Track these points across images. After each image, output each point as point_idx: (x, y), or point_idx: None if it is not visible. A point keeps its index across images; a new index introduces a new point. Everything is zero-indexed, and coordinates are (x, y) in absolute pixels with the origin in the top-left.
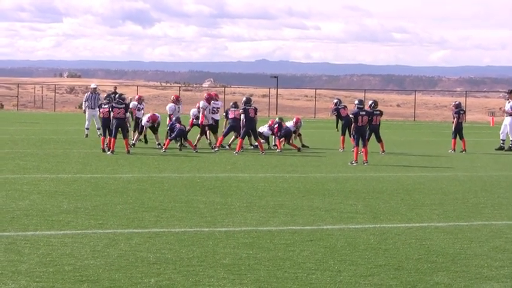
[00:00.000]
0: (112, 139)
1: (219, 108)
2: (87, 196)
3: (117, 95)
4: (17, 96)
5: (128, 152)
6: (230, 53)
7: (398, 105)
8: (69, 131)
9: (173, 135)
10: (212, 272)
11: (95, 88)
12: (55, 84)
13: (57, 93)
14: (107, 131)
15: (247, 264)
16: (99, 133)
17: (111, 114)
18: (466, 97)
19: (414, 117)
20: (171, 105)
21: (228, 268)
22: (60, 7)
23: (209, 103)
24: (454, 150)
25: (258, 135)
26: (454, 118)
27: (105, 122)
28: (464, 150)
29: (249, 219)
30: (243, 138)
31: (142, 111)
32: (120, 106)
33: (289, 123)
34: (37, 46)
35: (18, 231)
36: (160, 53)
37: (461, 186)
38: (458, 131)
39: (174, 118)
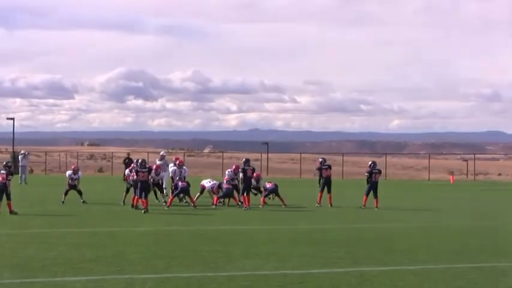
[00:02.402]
0: (140, 199)
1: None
2: (106, 247)
3: (139, 161)
4: (45, 162)
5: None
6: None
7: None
8: (89, 191)
9: (176, 191)
10: None
11: (164, 155)
12: (77, 152)
13: (79, 159)
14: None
15: None
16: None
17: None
18: (429, 159)
19: (385, 176)
20: (173, 168)
21: None
22: (69, 86)
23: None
24: (365, 206)
25: (249, 192)
26: (367, 177)
27: (136, 185)
28: (376, 207)
29: (246, 265)
30: (243, 193)
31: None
32: (144, 170)
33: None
34: (55, 119)
35: (48, 277)
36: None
37: (428, 235)
38: (372, 189)
39: (176, 179)
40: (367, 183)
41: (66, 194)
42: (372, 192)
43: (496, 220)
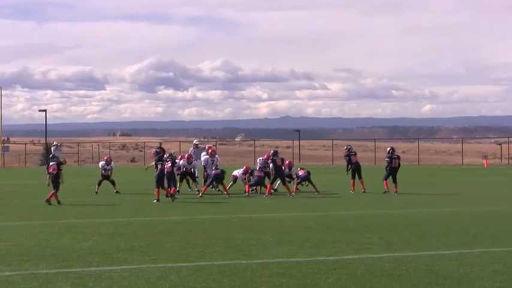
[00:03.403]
0: (171, 189)
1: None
2: (140, 236)
3: (169, 153)
4: (78, 153)
5: (172, 196)
6: (252, 112)
7: (403, 152)
8: (122, 181)
9: (210, 180)
10: None
11: (197, 144)
12: (109, 142)
13: (111, 149)
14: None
15: None
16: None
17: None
18: (462, 143)
19: (418, 162)
20: (205, 157)
21: None
22: (100, 77)
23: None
24: (388, 190)
25: (285, 180)
26: (388, 163)
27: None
28: (396, 192)
29: (280, 252)
30: (271, 183)
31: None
32: (168, 161)
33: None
34: (86, 110)
35: (83, 267)
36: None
37: (463, 220)
38: (392, 174)
39: (208, 169)
40: (386, 169)
41: (99, 184)
42: (391, 177)
43: None
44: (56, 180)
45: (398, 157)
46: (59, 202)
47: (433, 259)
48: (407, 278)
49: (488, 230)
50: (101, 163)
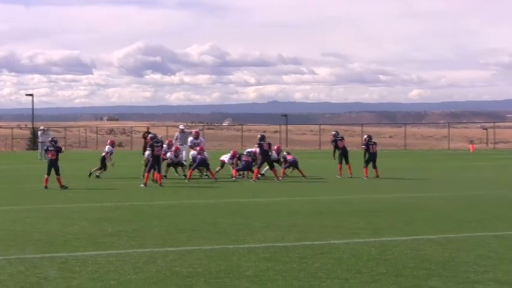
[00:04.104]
0: (157, 174)
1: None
2: (127, 221)
3: (152, 136)
4: (65, 138)
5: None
6: (240, 96)
7: (390, 137)
8: (110, 166)
9: (195, 164)
10: (237, 283)
11: (183, 129)
12: (96, 127)
13: (99, 134)
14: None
15: (267, 275)
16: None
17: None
18: (449, 128)
19: (405, 147)
20: (191, 138)
21: (251, 279)
22: (87, 61)
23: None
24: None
25: (272, 165)
26: (365, 150)
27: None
28: (377, 176)
29: (267, 237)
30: (258, 168)
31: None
32: (158, 145)
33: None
34: (74, 95)
35: (69, 252)
36: (177, 98)
37: (448, 204)
38: (372, 160)
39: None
40: (364, 156)
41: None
42: (371, 163)
43: None
44: (54, 165)
45: (375, 143)
46: (61, 186)
47: (419, 244)
48: (393, 262)
49: (474, 214)
50: (108, 148)
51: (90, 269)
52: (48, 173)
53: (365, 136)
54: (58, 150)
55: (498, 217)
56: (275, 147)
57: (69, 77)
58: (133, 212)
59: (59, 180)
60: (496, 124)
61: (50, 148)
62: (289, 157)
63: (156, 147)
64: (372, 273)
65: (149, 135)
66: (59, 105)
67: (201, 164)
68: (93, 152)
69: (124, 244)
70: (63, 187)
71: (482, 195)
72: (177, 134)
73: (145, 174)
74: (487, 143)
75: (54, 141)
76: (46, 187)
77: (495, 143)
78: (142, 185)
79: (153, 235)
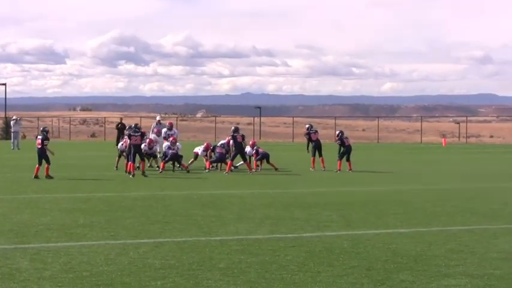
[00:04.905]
0: (131, 163)
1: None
2: (100, 212)
3: (133, 125)
4: (37, 128)
5: (143, 173)
6: (213, 88)
7: (363, 130)
8: (82, 156)
9: (167, 158)
10: (209, 275)
11: (160, 120)
12: (70, 117)
13: (72, 124)
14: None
15: (240, 267)
16: (158, 156)
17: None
18: (421, 121)
19: (378, 140)
20: (165, 129)
21: (223, 271)
22: (60, 51)
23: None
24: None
25: (245, 157)
26: (340, 145)
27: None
28: (350, 169)
29: (240, 229)
30: (232, 160)
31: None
32: (136, 134)
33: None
34: (47, 84)
35: (41, 243)
36: (150, 89)
37: (421, 198)
38: (347, 153)
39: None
40: (339, 150)
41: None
42: (345, 156)
43: (488, 183)
44: (43, 154)
45: (347, 138)
46: (47, 175)
47: (391, 237)
48: (365, 255)
49: (445, 208)
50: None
51: (62, 260)
52: (40, 163)
53: (337, 132)
54: (45, 138)
55: (469, 211)
56: (250, 142)
57: (42, 66)
58: (105, 203)
59: (47, 169)
60: (468, 118)
61: (38, 136)
62: (261, 149)
63: (133, 137)
64: (344, 266)
65: (121, 126)
66: (32, 94)
67: (173, 157)
68: (66, 142)
69: (96, 235)
70: (48, 177)
71: (453, 189)
72: (153, 125)
73: (130, 164)
74: (459, 137)
75: (45, 131)
76: (36, 177)
77: (467, 137)
78: (131, 175)
79: (125, 226)
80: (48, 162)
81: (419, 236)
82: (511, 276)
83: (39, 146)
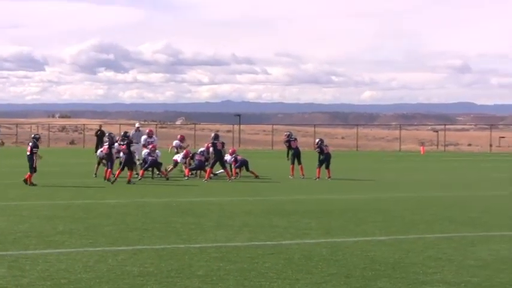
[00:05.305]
0: (110, 170)
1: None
2: (79, 219)
3: (121, 133)
4: (16, 135)
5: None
6: (193, 95)
7: (343, 138)
8: (62, 163)
9: (146, 165)
10: (188, 283)
11: (139, 127)
12: (48, 124)
13: (51, 131)
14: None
15: (218, 275)
16: (138, 163)
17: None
18: (400, 130)
19: (357, 148)
20: (144, 137)
21: (202, 279)
22: (39, 58)
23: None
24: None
25: (224, 164)
26: (319, 153)
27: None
28: (329, 177)
29: (219, 237)
30: (211, 167)
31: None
32: (123, 143)
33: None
34: (25, 91)
35: (19, 250)
36: (130, 96)
37: (399, 206)
38: (326, 161)
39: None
40: (319, 157)
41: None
42: (324, 164)
43: (466, 191)
44: (31, 161)
45: (327, 146)
46: (30, 183)
47: (370, 245)
48: (344, 263)
49: (424, 216)
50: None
51: (40, 267)
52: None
53: (317, 140)
54: (34, 145)
55: (447, 219)
56: (230, 150)
57: (21, 73)
58: (85, 210)
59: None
60: (447, 127)
61: (30, 143)
62: (239, 157)
63: (121, 146)
64: (323, 273)
65: (100, 133)
66: (11, 101)
67: (152, 164)
68: (44, 149)
69: (75, 243)
70: (31, 184)
71: (432, 196)
72: (132, 131)
73: (109, 170)
74: (437, 145)
75: (35, 138)
76: (32, 184)
77: (445, 145)
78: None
79: (104, 234)
80: (32, 170)
81: (397, 244)
82: (488, 284)
83: (29, 153)
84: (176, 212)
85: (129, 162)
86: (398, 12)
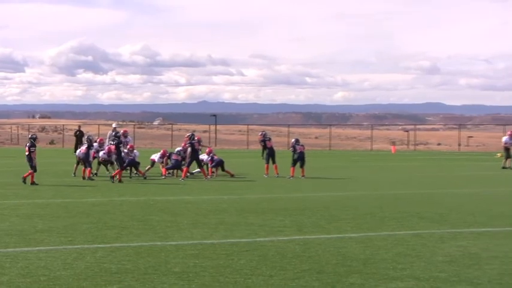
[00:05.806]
0: (89, 170)
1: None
2: (58, 217)
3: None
4: None
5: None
6: (170, 96)
7: (316, 137)
8: (41, 163)
9: (124, 164)
10: (165, 279)
11: (116, 127)
12: (29, 124)
13: (31, 131)
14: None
15: (194, 271)
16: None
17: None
18: (372, 129)
19: (330, 147)
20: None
21: (179, 275)
22: (19, 59)
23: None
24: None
25: (200, 164)
26: (293, 152)
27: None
28: (303, 176)
29: (195, 234)
30: (187, 166)
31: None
32: (113, 142)
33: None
34: (6, 92)
35: (0, 248)
36: (108, 97)
37: (370, 203)
38: (299, 160)
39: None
40: (293, 157)
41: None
42: (298, 163)
43: (435, 188)
44: (30, 161)
45: (303, 146)
46: (32, 182)
47: (342, 241)
48: (317, 259)
49: (394, 213)
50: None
51: (20, 265)
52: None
53: (292, 140)
54: (31, 145)
55: (417, 216)
56: (207, 150)
57: (1, 74)
58: (63, 209)
59: (31, 175)
60: (417, 127)
61: (27, 144)
62: (216, 156)
63: (82, 146)
64: (296, 270)
65: (79, 133)
66: None
67: (130, 164)
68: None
69: (54, 240)
70: (32, 183)
71: (402, 194)
72: (110, 132)
73: (88, 170)
74: (408, 145)
75: (32, 138)
76: (33, 182)
77: (415, 144)
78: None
79: (82, 232)
80: (32, 169)
81: (368, 241)
82: (456, 279)
83: (27, 153)
84: (153, 210)
85: (121, 160)
86: (371, 14)
